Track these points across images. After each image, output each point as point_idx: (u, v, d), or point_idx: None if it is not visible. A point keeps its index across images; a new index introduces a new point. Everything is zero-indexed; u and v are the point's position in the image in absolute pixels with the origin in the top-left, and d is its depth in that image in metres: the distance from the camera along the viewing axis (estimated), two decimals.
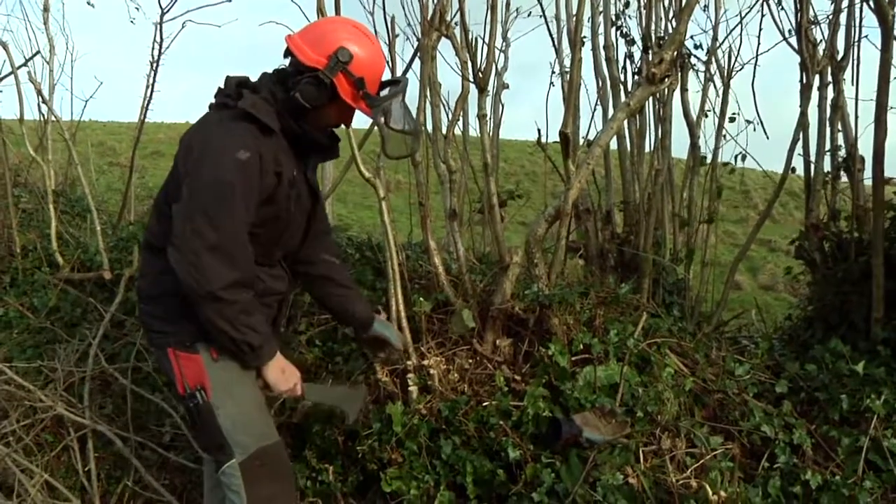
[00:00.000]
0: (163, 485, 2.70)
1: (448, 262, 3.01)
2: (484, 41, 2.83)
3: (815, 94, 3.26)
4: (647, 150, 3.73)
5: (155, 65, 5.00)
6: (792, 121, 3.29)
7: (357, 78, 1.86)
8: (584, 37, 3.56)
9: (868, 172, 2.88)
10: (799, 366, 2.70)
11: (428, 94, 2.87)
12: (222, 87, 1.94)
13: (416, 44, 2.92)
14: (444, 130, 2.98)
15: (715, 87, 3.71)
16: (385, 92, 1.96)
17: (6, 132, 5.06)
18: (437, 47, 2.81)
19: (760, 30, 3.41)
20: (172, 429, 2.92)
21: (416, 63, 2.92)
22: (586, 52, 3.63)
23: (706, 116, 3.70)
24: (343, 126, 2.11)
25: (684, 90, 3.71)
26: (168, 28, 4.94)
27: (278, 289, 2.05)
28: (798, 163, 3.32)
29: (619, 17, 3.75)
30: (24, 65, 4.82)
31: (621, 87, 3.71)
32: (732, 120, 3.60)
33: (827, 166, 3.31)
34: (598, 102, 3.81)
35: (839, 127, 3.29)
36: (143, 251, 2.03)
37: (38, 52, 4.87)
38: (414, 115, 2.07)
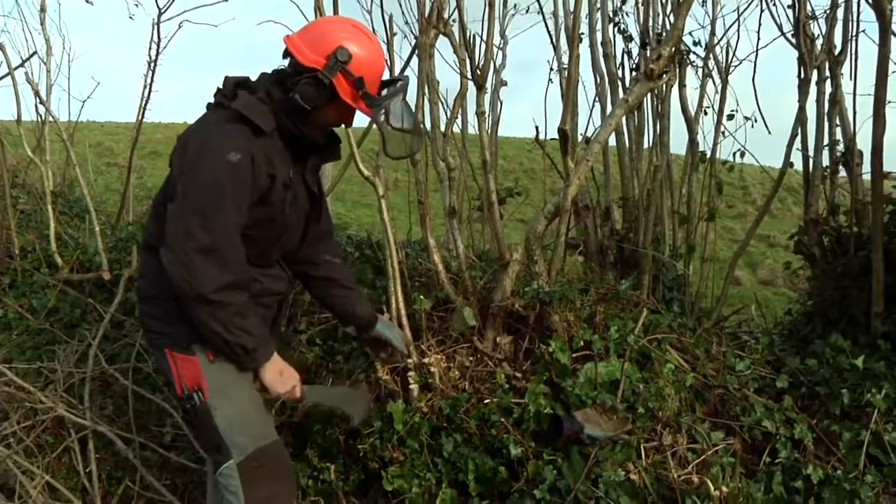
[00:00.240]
0: (164, 485, 2.70)
1: (448, 259, 3.01)
2: (482, 39, 2.82)
3: (813, 89, 3.26)
4: (645, 146, 3.73)
5: (152, 65, 5.00)
6: (790, 116, 3.30)
7: (356, 78, 1.84)
8: (582, 33, 3.56)
9: (867, 167, 2.89)
10: (799, 361, 2.70)
11: (426, 91, 2.86)
12: (221, 86, 1.93)
13: (413, 42, 2.92)
14: (442, 128, 2.98)
15: (714, 83, 3.71)
16: (385, 91, 1.95)
17: (4, 133, 5.06)
18: (434, 45, 2.80)
19: (760, 25, 3.41)
20: (173, 429, 2.92)
21: (414, 61, 2.92)
22: (584, 49, 3.63)
23: (705, 114, 3.71)
24: (343, 126, 2.11)
25: (682, 86, 3.71)
26: (165, 28, 4.94)
27: (277, 289, 2.05)
28: (796, 158, 3.33)
29: (616, 14, 3.75)
30: (22, 65, 4.81)
31: (619, 84, 3.71)
32: (731, 117, 3.61)
33: (825, 161, 3.32)
34: (597, 99, 3.81)
35: (837, 122, 3.29)
36: (141, 251, 2.03)
37: (34, 53, 4.88)
38: (413, 114, 2.07)
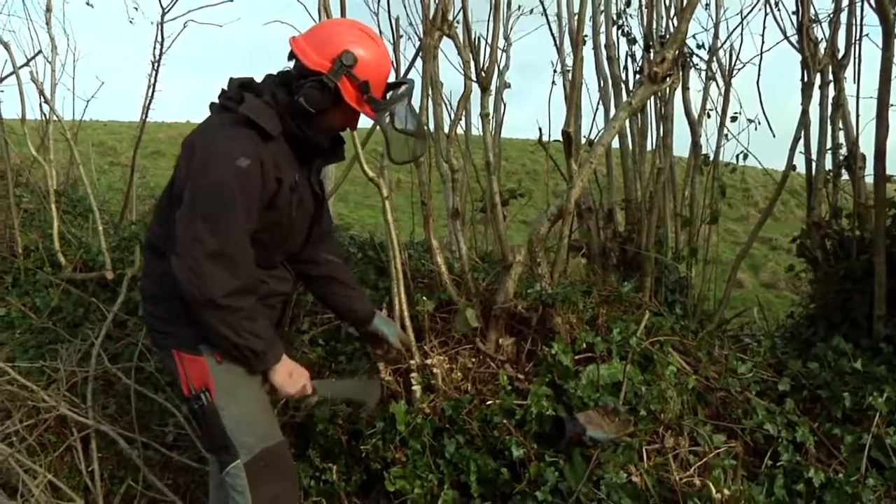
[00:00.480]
0: (166, 484, 2.70)
1: (451, 261, 3.01)
2: (486, 41, 2.83)
3: (816, 93, 3.26)
4: (648, 148, 3.73)
5: (156, 65, 5.01)
6: (793, 119, 3.29)
7: (361, 81, 1.84)
8: (586, 36, 3.56)
9: (869, 170, 2.89)
10: (801, 364, 2.70)
11: (430, 93, 2.87)
12: (225, 88, 1.93)
13: (418, 43, 2.92)
14: (446, 130, 2.98)
15: (717, 85, 3.72)
16: (390, 95, 1.95)
17: (8, 132, 5.06)
18: (438, 46, 2.81)
19: (763, 28, 3.41)
20: (176, 428, 2.92)
21: (418, 62, 2.93)
22: (588, 51, 3.63)
23: (709, 117, 3.71)
24: (349, 129, 2.11)
25: (686, 89, 3.71)
26: (169, 28, 4.95)
27: (282, 290, 2.05)
28: (799, 161, 3.32)
29: (620, 16, 3.75)
30: (26, 64, 4.82)
31: (623, 87, 3.71)
32: (735, 119, 3.61)
33: (828, 164, 3.31)
34: (600, 102, 3.81)
35: (840, 125, 3.29)
36: (145, 252, 2.03)
37: (39, 52, 4.87)
38: (418, 118, 2.06)
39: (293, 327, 2.97)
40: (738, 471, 2.28)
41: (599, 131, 3.50)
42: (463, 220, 3.02)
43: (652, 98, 3.47)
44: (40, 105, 5.00)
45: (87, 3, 5.24)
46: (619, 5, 3.74)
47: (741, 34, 3.62)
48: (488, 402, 2.43)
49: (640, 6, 3.68)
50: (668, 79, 2.67)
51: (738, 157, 3.62)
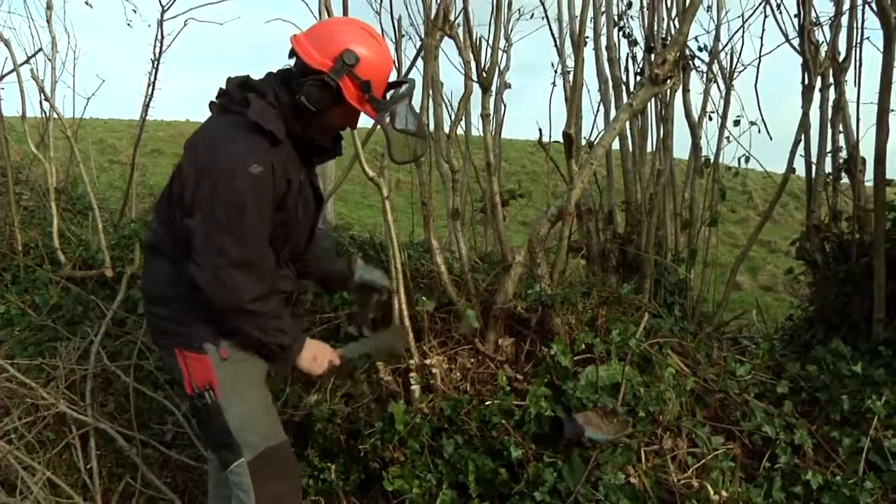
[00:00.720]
0: (165, 483, 2.70)
1: (450, 261, 3.01)
2: (487, 41, 2.83)
3: (816, 96, 3.27)
4: (649, 150, 3.74)
5: (156, 63, 5.00)
6: (793, 122, 3.30)
7: (363, 81, 1.83)
8: (587, 37, 3.57)
9: (869, 174, 2.89)
10: (800, 366, 2.71)
11: (431, 93, 2.87)
12: (223, 88, 1.92)
13: (419, 43, 2.93)
14: (446, 130, 2.98)
15: (718, 88, 3.72)
16: (391, 94, 1.95)
17: (8, 129, 5.05)
18: (440, 47, 2.81)
19: (764, 31, 3.42)
20: (174, 427, 2.92)
21: (419, 62, 2.93)
22: (589, 53, 3.63)
23: (710, 119, 3.71)
24: (349, 128, 2.11)
25: (686, 91, 3.72)
26: (169, 26, 4.93)
27: (286, 289, 2.06)
28: (799, 164, 3.33)
29: (621, 18, 3.75)
30: (27, 62, 4.81)
31: (624, 88, 3.72)
32: (737, 122, 3.61)
33: (828, 167, 3.32)
34: (601, 103, 3.81)
35: (841, 128, 3.29)
36: (145, 252, 2.02)
37: (40, 50, 4.86)
38: (419, 118, 2.06)
39: None
40: (736, 472, 2.28)
41: (600, 133, 3.50)
42: (463, 220, 3.02)
43: (652, 100, 3.47)
44: (40, 102, 5.01)
45: (86, 3, 5.23)
46: (620, 7, 3.75)
47: (742, 36, 3.63)
48: (487, 403, 2.43)
49: (642, 8, 3.68)
50: (668, 80, 2.67)
51: (739, 159, 3.62)
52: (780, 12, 3.33)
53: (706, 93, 3.73)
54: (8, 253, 4.39)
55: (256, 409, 1.94)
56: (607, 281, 3.18)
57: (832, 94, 3.28)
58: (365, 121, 2.03)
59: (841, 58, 3.23)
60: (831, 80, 3.27)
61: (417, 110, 2.06)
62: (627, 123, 3.47)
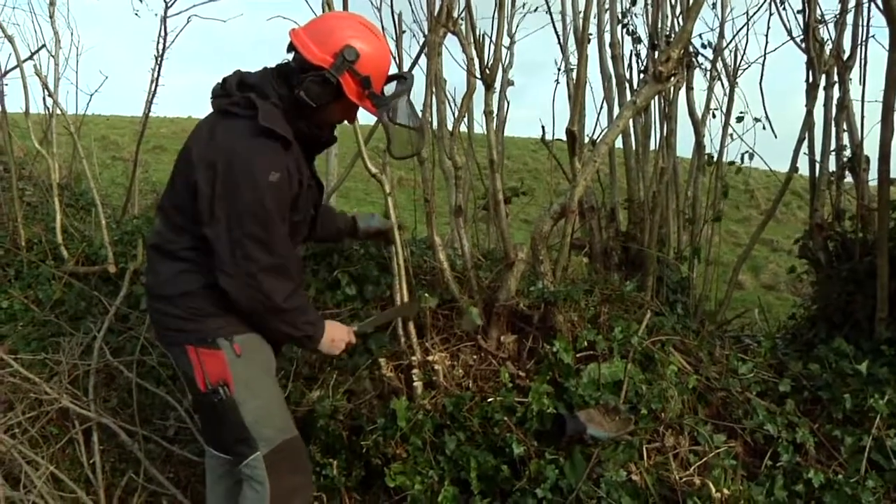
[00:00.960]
0: (167, 478, 2.71)
1: (453, 258, 3.01)
2: (490, 38, 2.82)
3: (821, 94, 3.26)
4: (652, 148, 3.73)
5: (159, 59, 5.01)
6: (797, 120, 3.29)
7: (363, 77, 1.84)
8: (591, 34, 3.56)
9: (873, 173, 2.89)
10: (802, 365, 2.71)
11: (434, 90, 2.87)
12: (221, 88, 1.92)
13: (422, 40, 2.92)
14: (449, 127, 2.98)
15: (723, 85, 3.71)
16: (390, 90, 1.96)
17: (12, 125, 5.07)
18: (443, 43, 2.81)
19: (769, 28, 3.41)
20: (177, 422, 2.93)
21: (422, 59, 2.92)
22: (592, 50, 3.63)
23: (713, 117, 3.70)
24: (346, 122, 2.11)
25: (690, 89, 3.71)
26: (173, 23, 4.94)
27: (302, 278, 2.10)
28: (803, 162, 3.32)
29: (625, 15, 3.74)
30: (30, 58, 4.82)
31: (627, 85, 3.71)
32: (740, 120, 3.60)
33: (832, 166, 3.31)
34: (604, 100, 3.81)
35: (845, 127, 3.28)
36: (149, 251, 2.02)
37: (43, 46, 4.87)
38: (420, 113, 2.07)
39: None
40: (737, 471, 2.28)
41: (603, 130, 3.49)
42: (465, 217, 3.02)
43: (656, 97, 3.47)
44: (44, 99, 5.01)
45: None
46: (624, 4, 3.74)
47: (747, 34, 3.63)
48: (489, 400, 2.43)
49: (646, 5, 3.67)
50: (672, 78, 2.66)
51: (743, 156, 3.61)
52: (785, 9, 3.33)
53: (710, 90, 3.73)
54: (11, 248, 4.40)
55: (271, 403, 1.97)
56: (610, 278, 3.18)
57: (836, 93, 3.27)
58: (368, 118, 2.04)
59: (846, 56, 3.22)
60: (836, 78, 3.26)
61: (420, 106, 2.07)
62: (631, 121, 3.47)
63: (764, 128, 3.56)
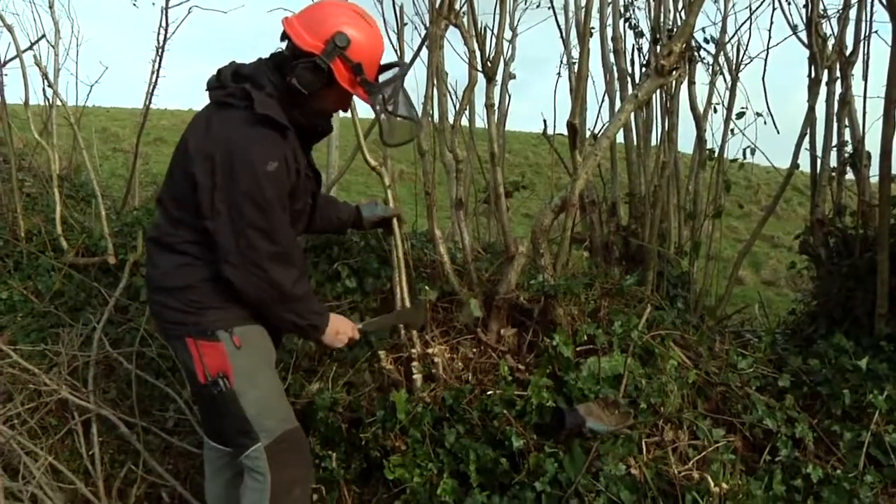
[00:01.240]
0: (166, 469, 2.71)
1: (453, 251, 3.01)
2: (492, 31, 2.81)
3: (823, 89, 3.25)
4: (653, 142, 3.73)
5: (160, 51, 4.98)
6: (799, 115, 3.29)
7: (355, 63, 1.84)
8: (593, 28, 3.55)
9: (874, 169, 2.88)
10: (802, 360, 2.71)
11: (435, 82, 2.86)
12: (216, 80, 1.91)
13: (423, 32, 2.91)
14: (450, 120, 2.98)
15: (725, 80, 3.70)
16: (383, 77, 1.95)
17: (11, 116, 5.05)
18: (444, 36, 2.80)
19: (771, 23, 3.40)
20: (176, 413, 2.93)
21: (423, 52, 2.91)
22: (594, 44, 3.62)
23: (715, 111, 3.70)
24: (342, 112, 2.11)
25: (692, 83, 3.70)
26: (174, 14, 4.92)
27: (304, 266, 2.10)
28: (804, 158, 3.32)
29: (627, 9, 3.74)
30: (30, 48, 4.81)
31: (629, 79, 3.70)
32: (741, 115, 3.59)
33: (833, 162, 3.31)
34: (606, 94, 3.80)
35: (846, 122, 3.28)
36: (149, 244, 2.01)
37: (43, 36, 4.86)
38: (414, 102, 2.07)
39: None
40: (736, 465, 2.28)
41: (604, 124, 3.48)
42: (466, 210, 3.02)
43: (658, 92, 3.46)
44: (43, 89, 5.01)
45: None
46: None
47: (749, 28, 3.61)
48: (489, 393, 2.43)
49: None
50: (674, 72, 2.66)
51: (744, 151, 3.61)
52: (788, 4, 3.32)
53: (712, 85, 3.72)
54: (11, 239, 4.39)
55: (271, 394, 1.97)
56: (610, 272, 3.17)
57: (839, 88, 3.27)
58: (367, 111, 2.03)
59: (848, 51, 3.21)
60: (838, 73, 3.26)
61: (422, 99, 2.07)
62: (632, 115, 3.46)
63: (766, 123, 3.55)
